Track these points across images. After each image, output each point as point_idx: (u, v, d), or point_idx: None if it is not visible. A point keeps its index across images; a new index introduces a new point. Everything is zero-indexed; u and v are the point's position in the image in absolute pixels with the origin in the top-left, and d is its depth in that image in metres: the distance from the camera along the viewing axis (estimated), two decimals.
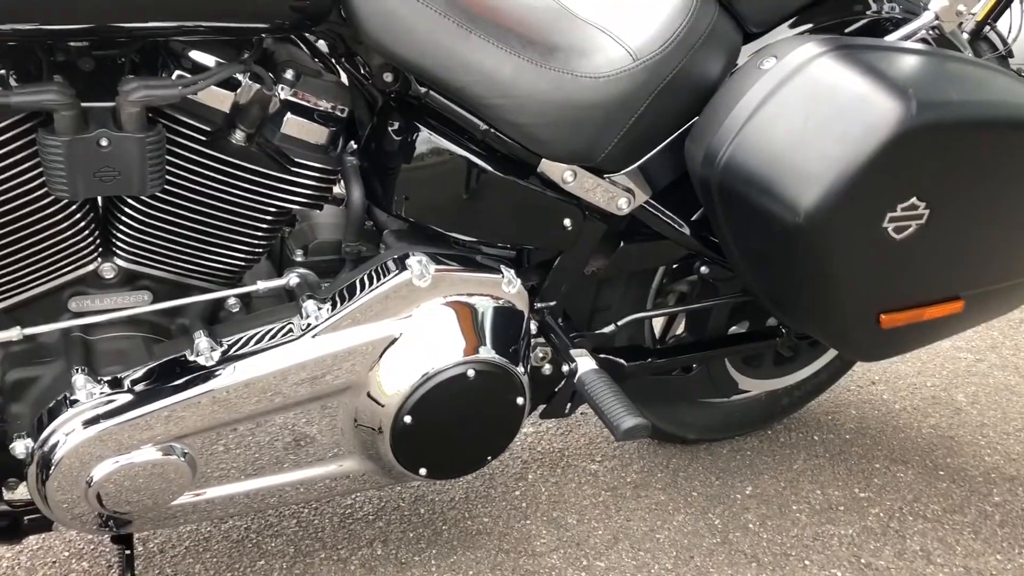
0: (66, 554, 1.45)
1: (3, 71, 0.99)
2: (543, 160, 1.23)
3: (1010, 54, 4.55)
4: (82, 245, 1.10)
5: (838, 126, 1.14)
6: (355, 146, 1.27)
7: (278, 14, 1.04)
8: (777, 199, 1.16)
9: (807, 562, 1.51)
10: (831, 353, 1.77)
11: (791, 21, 1.37)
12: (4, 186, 1.01)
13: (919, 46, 1.32)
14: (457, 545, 1.51)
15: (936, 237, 1.23)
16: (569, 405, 1.47)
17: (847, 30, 1.41)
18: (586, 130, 1.21)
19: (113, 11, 0.94)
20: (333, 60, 1.27)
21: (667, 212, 1.37)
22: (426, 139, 1.22)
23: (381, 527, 1.54)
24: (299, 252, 1.27)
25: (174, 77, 1.04)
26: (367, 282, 1.18)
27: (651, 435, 1.71)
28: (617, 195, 1.30)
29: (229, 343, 1.14)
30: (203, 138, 1.08)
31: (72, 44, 1.01)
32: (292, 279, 1.21)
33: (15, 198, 1.02)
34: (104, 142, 0.98)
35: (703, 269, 1.48)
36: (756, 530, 1.58)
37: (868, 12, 1.41)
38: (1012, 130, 1.23)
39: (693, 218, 1.41)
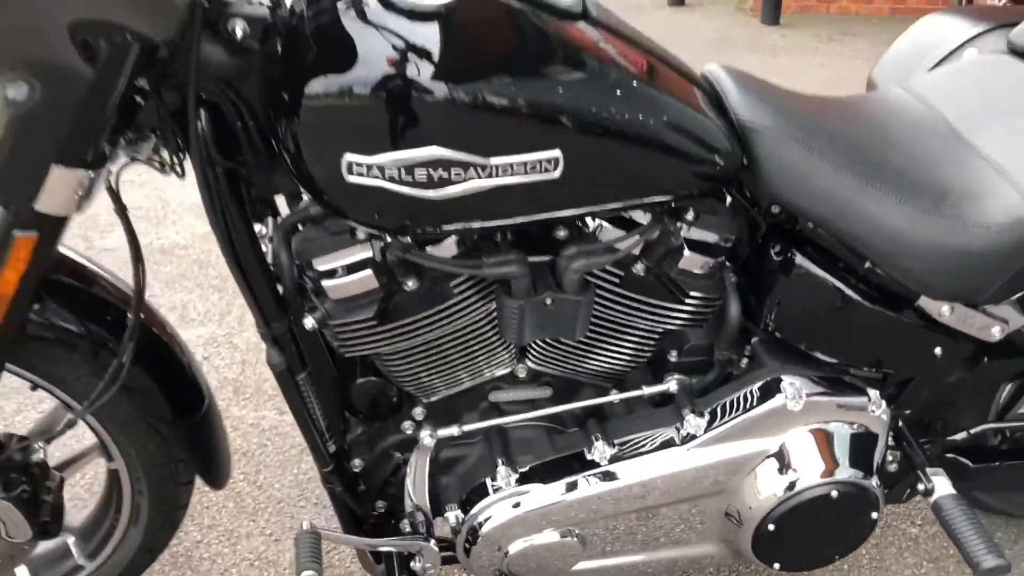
0: None
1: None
2: (922, 296, 1.28)
3: None
4: (506, 355, 1.30)
5: None
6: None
7: (697, 186, 1.16)
8: None
9: None
10: None
11: None
12: (463, 327, 1.22)
13: None
14: None
15: None
16: (908, 492, 1.54)
17: None
18: (972, 275, 1.24)
19: (576, 201, 1.10)
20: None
21: None
22: (804, 266, 1.30)
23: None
24: (673, 352, 1.40)
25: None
26: (743, 402, 1.31)
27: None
28: (991, 324, 1.32)
29: (619, 444, 1.32)
30: (617, 280, 1.24)
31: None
32: (672, 385, 1.36)
33: (468, 332, 1.24)
34: (549, 301, 1.16)
35: None
36: None
37: None
38: None
39: None
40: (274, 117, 1.01)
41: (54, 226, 1.05)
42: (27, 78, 0.91)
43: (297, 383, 1.24)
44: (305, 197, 1.18)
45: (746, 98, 1.21)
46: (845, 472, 1.31)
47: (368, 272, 1.16)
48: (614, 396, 1.37)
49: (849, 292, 1.29)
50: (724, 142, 1.15)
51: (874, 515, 1.35)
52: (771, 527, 1.32)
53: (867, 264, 1.27)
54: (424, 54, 0.96)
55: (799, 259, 1.30)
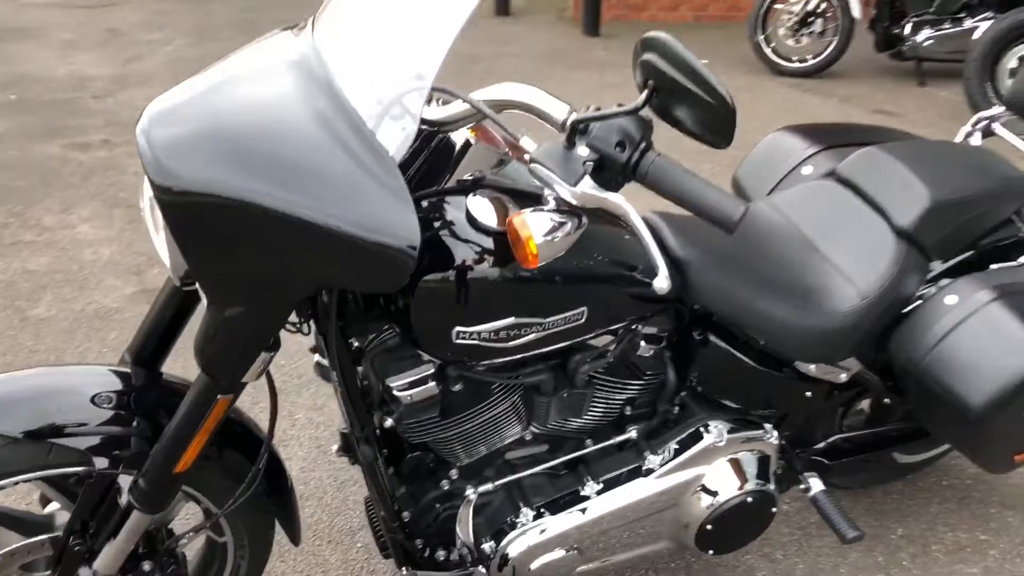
0: None
1: None
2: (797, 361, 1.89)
3: None
4: (520, 427, 1.80)
5: (1004, 358, 1.76)
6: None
7: (659, 306, 1.69)
8: (959, 395, 1.79)
9: None
10: None
11: None
12: (496, 413, 1.71)
13: None
14: (704, 574, 2.24)
15: None
16: (789, 487, 2.15)
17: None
18: (829, 347, 1.85)
19: (590, 331, 1.60)
20: None
21: (870, 374, 2.02)
22: (717, 343, 1.87)
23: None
24: (628, 408, 1.94)
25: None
26: (684, 443, 1.87)
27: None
28: (840, 372, 1.95)
29: (603, 480, 1.85)
30: (601, 370, 1.76)
31: None
32: (632, 433, 1.90)
33: (499, 417, 1.72)
34: (566, 395, 1.67)
35: (886, 400, 2.13)
36: (909, 567, 2.27)
37: (1019, 235, 2.00)
38: None
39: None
40: (395, 298, 1.46)
41: (240, 388, 1.45)
42: (242, 304, 1.32)
43: (378, 466, 1.69)
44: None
45: (677, 239, 1.75)
46: (753, 484, 1.90)
47: (432, 384, 1.62)
48: (594, 447, 1.89)
49: (747, 360, 1.88)
50: (672, 275, 1.69)
51: (773, 509, 1.96)
52: (709, 527, 1.89)
53: (762, 342, 1.85)
54: (500, 257, 1.44)
55: (713, 338, 1.87)
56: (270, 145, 1.22)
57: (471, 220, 1.44)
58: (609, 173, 1.26)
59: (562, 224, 1.25)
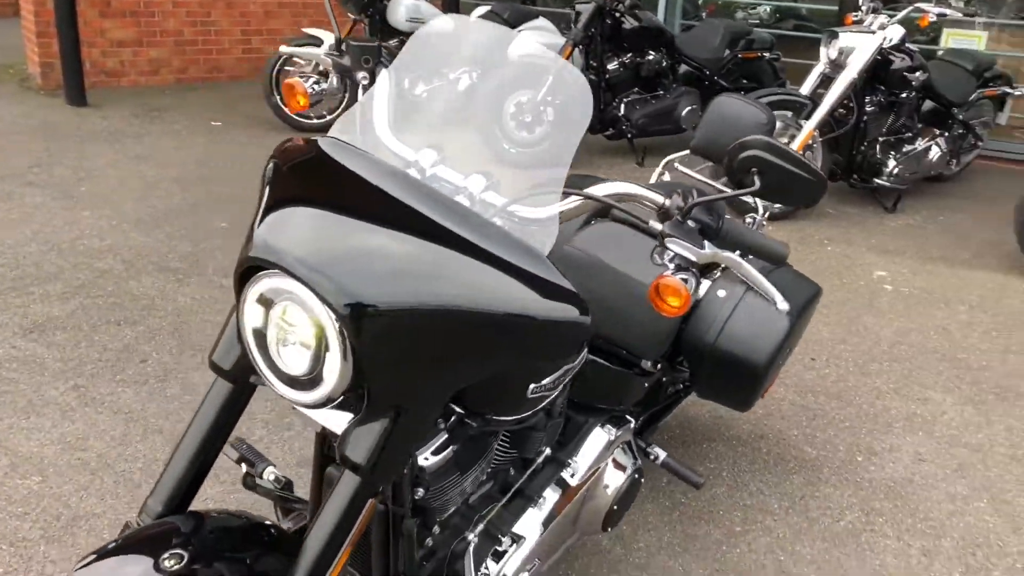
0: None
1: None
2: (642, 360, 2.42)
3: None
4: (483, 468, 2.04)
5: (768, 324, 2.50)
6: None
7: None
8: (748, 360, 2.48)
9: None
10: None
11: None
12: (489, 460, 1.94)
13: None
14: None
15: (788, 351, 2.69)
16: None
17: None
18: (661, 343, 2.41)
19: None
20: None
21: (664, 360, 2.63)
22: (591, 358, 2.32)
23: None
24: None
25: None
26: (591, 446, 2.29)
27: None
28: (659, 363, 2.52)
29: (542, 495, 2.17)
30: None
31: None
32: (547, 451, 2.25)
33: (489, 463, 1.95)
34: (549, 424, 1.97)
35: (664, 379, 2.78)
36: (695, 497, 2.96)
37: None
38: None
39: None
40: None
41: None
42: (411, 404, 1.43)
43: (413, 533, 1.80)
44: None
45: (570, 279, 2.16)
46: (631, 465, 2.40)
47: (449, 449, 1.81)
48: (519, 472, 2.19)
49: (612, 367, 2.36)
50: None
51: (642, 480, 2.46)
52: (615, 507, 2.34)
53: (623, 351, 2.35)
54: None
55: (587, 354, 2.31)
56: (437, 259, 1.40)
57: None
58: (705, 236, 1.65)
59: (688, 280, 1.61)
